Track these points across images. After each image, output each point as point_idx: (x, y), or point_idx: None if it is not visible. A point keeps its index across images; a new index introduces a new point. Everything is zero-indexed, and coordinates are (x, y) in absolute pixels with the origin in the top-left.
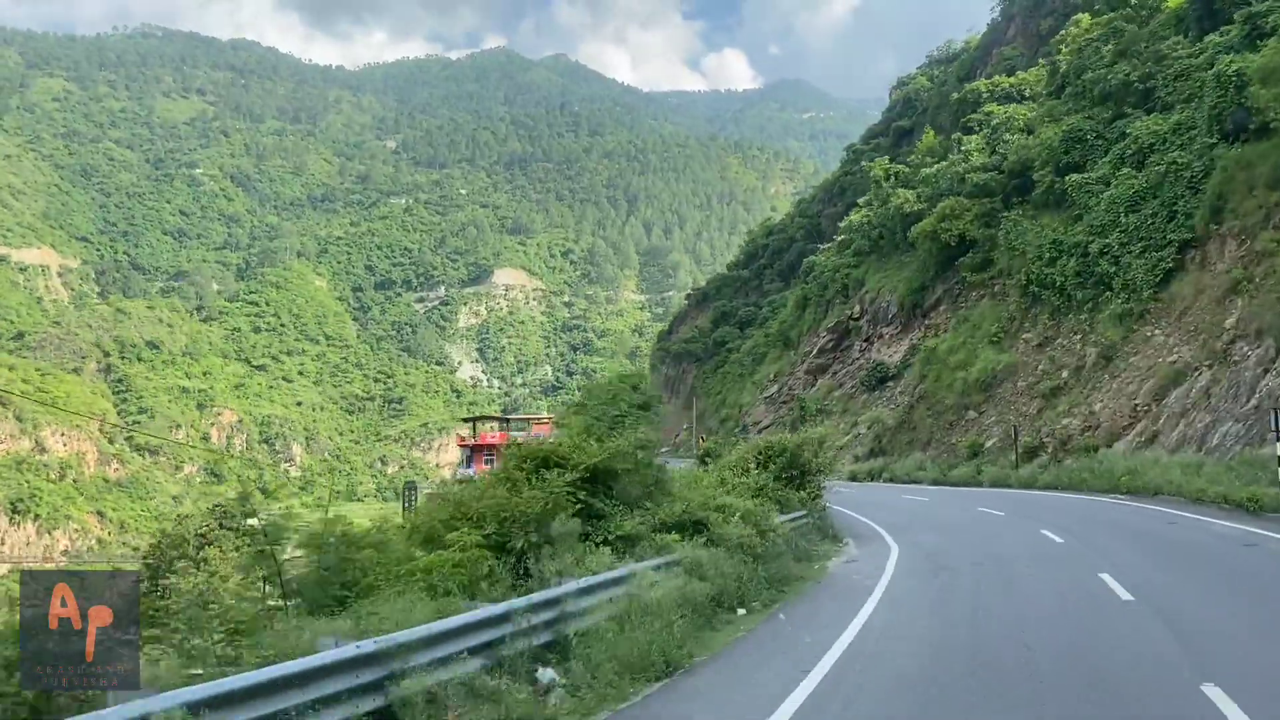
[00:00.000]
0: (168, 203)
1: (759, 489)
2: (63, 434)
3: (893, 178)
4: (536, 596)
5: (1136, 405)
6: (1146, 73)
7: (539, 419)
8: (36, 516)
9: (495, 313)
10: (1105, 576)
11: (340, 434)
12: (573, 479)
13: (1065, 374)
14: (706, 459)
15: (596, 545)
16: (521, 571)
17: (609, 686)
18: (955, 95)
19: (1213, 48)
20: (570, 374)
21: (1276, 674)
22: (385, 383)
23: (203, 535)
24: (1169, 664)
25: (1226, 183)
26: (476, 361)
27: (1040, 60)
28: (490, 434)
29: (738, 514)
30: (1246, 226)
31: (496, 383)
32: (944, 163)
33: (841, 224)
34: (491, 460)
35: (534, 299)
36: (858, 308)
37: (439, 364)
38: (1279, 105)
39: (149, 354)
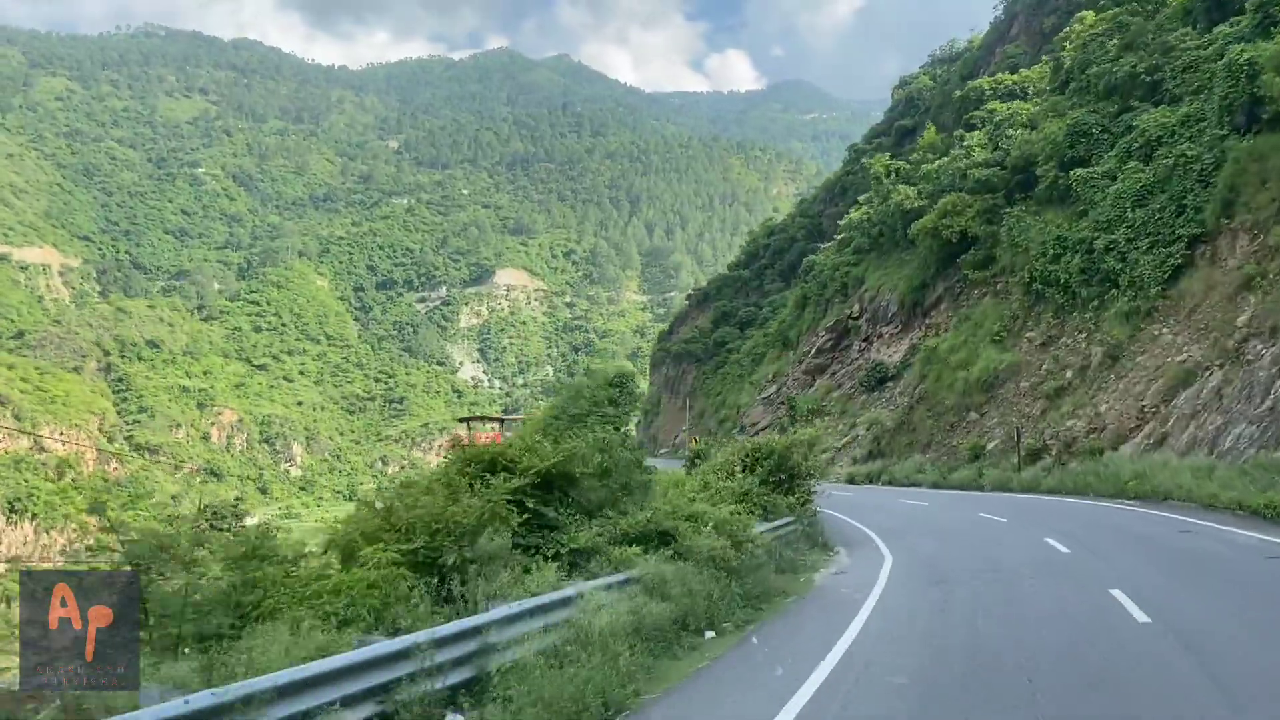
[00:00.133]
0: (169, 202)
1: (743, 494)
2: (62, 433)
3: (893, 174)
4: (447, 628)
5: (1144, 406)
6: (1153, 65)
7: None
8: (34, 516)
9: (497, 313)
10: (1117, 593)
11: (341, 434)
12: (520, 485)
13: (1070, 374)
14: (696, 461)
15: (546, 560)
16: (448, 594)
17: None
18: (958, 93)
19: (1222, 39)
20: (572, 374)
21: None
22: (386, 383)
23: (193, 535)
24: (1205, 711)
25: (1238, 175)
26: (478, 362)
27: (1044, 57)
28: (485, 434)
29: (711, 523)
30: (1259, 220)
31: (498, 383)
32: (945, 158)
33: (841, 222)
34: None
35: (535, 299)
36: (857, 306)
37: (440, 364)
38: None
39: (149, 353)
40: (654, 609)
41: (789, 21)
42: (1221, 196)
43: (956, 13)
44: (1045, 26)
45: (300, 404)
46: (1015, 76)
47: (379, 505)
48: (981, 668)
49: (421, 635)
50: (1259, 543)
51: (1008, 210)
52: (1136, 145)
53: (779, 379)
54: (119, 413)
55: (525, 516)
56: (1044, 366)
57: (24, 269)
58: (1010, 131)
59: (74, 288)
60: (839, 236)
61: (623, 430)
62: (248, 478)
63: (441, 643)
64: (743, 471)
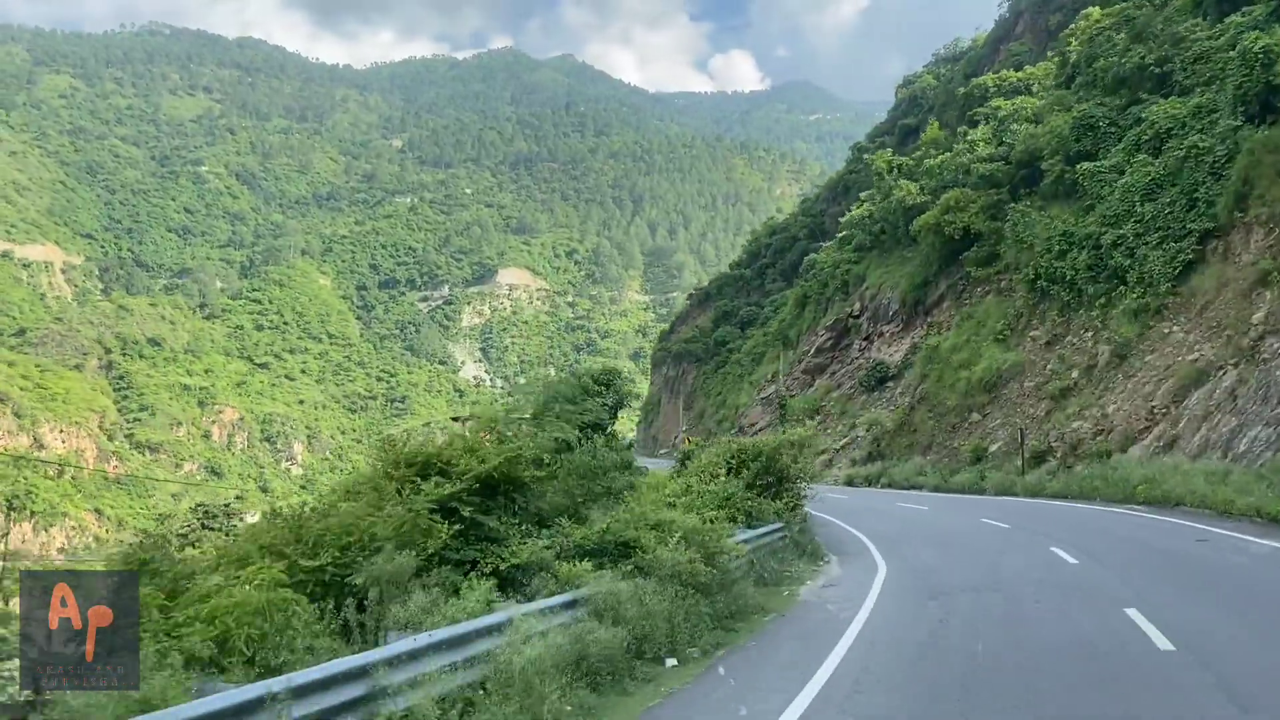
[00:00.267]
0: (172, 200)
1: (725, 499)
2: (61, 431)
3: (895, 170)
4: (310, 673)
5: (1154, 407)
6: (1163, 56)
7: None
8: (33, 514)
9: (499, 312)
10: (1133, 613)
11: (342, 432)
12: (454, 491)
13: (1076, 374)
14: (685, 462)
15: (482, 578)
16: (354, 622)
17: None
18: (961, 90)
19: (1235, 28)
20: (574, 374)
21: None
22: (388, 382)
23: (183, 535)
24: None
25: (1253, 167)
26: (480, 361)
27: (1049, 54)
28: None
29: (678, 533)
30: (1275, 214)
31: (500, 383)
32: (948, 154)
33: (843, 219)
34: None
35: (538, 299)
36: (857, 305)
37: (442, 363)
38: None
39: (151, 351)
40: (602, 636)
41: (793, 22)
42: (1235, 189)
43: (961, 13)
44: (1050, 24)
45: (302, 402)
46: (1020, 73)
47: (287, 514)
48: (979, 709)
49: (276, 682)
50: None
51: (1012, 206)
52: (1145, 138)
53: (778, 379)
54: (120, 410)
55: (459, 527)
56: (1049, 366)
57: (26, 266)
58: (1015, 126)
59: (76, 285)
60: (840, 234)
61: (609, 429)
62: (249, 476)
63: (304, 690)
64: (728, 474)
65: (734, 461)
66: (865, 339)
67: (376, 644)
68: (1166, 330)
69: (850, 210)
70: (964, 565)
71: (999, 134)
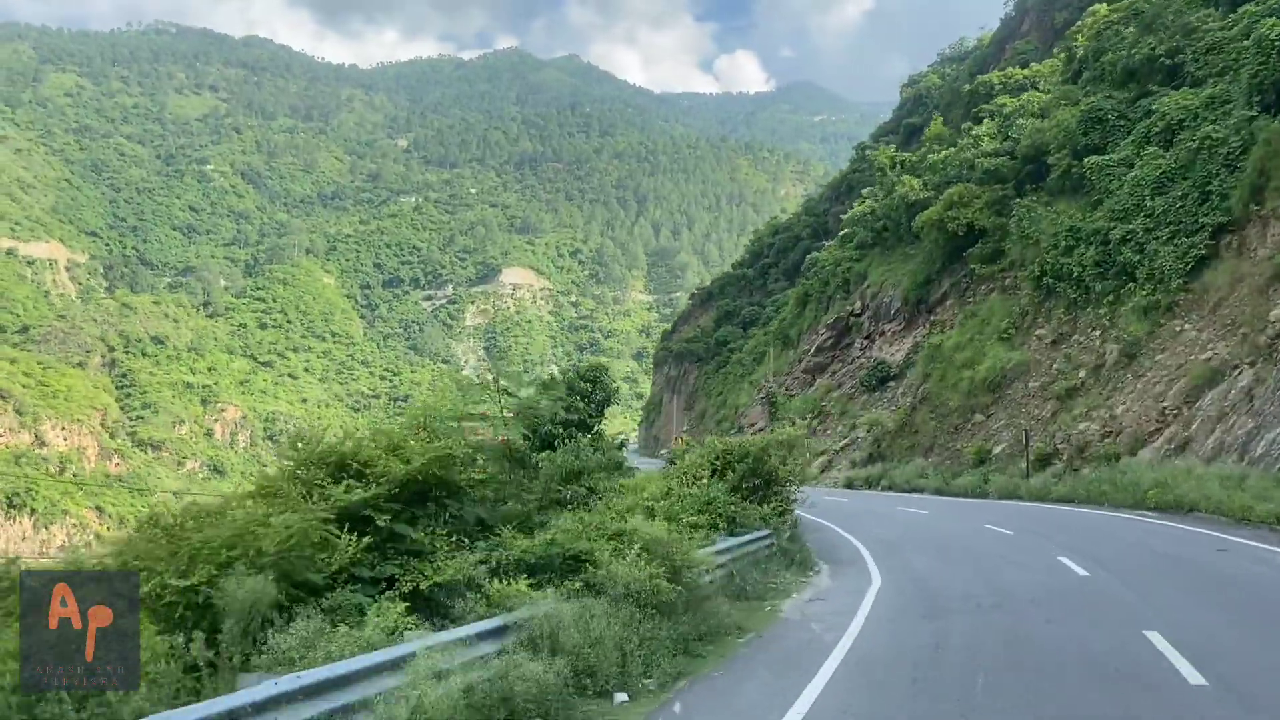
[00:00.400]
0: (177, 198)
1: (707, 503)
2: (63, 428)
3: (898, 165)
4: None
5: (1165, 408)
6: (1174, 47)
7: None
8: (33, 511)
9: (502, 312)
10: (1155, 637)
11: (345, 431)
12: (368, 496)
13: (1083, 373)
14: (674, 463)
15: (398, 599)
16: (205, 659)
17: None
18: (966, 88)
19: (1249, 17)
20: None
21: None
22: (391, 380)
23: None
24: None
25: (1269, 158)
26: (483, 360)
27: (1055, 51)
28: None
29: (638, 545)
30: None
31: (502, 382)
32: (952, 149)
33: (845, 216)
34: None
35: (541, 299)
36: (859, 303)
37: (445, 362)
38: None
39: (154, 349)
40: (532, 670)
41: (798, 23)
42: (1250, 181)
43: (966, 15)
44: (1056, 22)
45: (305, 401)
46: (1026, 71)
47: (166, 522)
48: None
49: None
50: None
51: (1017, 201)
52: (1156, 130)
53: (778, 378)
54: (122, 408)
55: (371, 540)
56: (1055, 365)
57: (31, 264)
58: (1020, 121)
59: (80, 283)
60: (842, 232)
61: (596, 428)
62: (251, 475)
63: None
64: (712, 476)
65: (719, 463)
66: (866, 338)
67: (256, 684)
68: (1178, 328)
69: (852, 207)
70: (964, 576)
71: (1004, 129)
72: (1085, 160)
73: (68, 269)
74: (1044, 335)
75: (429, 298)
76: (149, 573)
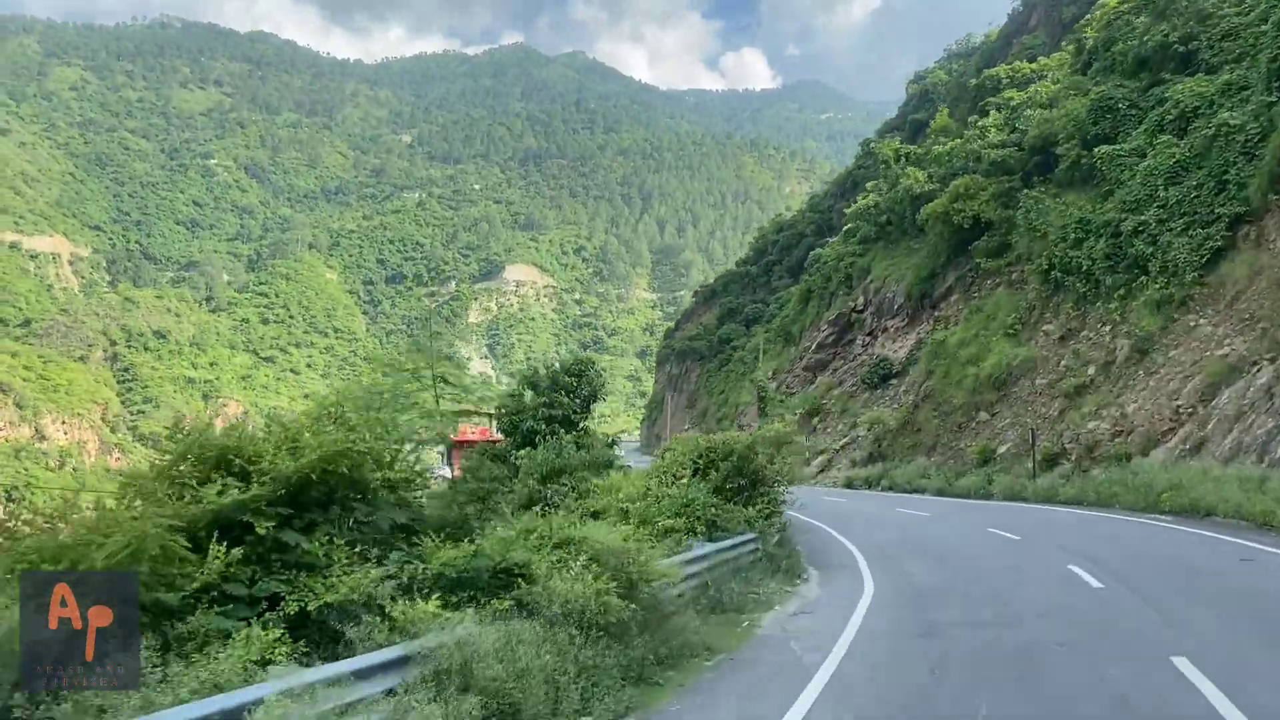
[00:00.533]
0: (181, 193)
1: (685, 505)
2: (63, 422)
3: (903, 158)
4: None
5: (1179, 406)
6: (1188, 34)
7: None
8: (32, 505)
9: (505, 309)
10: (1183, 664)
11: None
12: (248, 498)
13: (1092, 370)
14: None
15: (275, 623)
16: None
17: None
18: (973, 82)
19: (1266, 1)
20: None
21: None
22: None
23: None
24: None
25: None
26: (486, 357)
27: (1063, 45)
28: (471, 429)
29: (584, 555)
30: None
31: (505, 379)
32: (958, 140)
33: (848, 210)
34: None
35: (545, 296)
36: (861, 299)
37: (448, 359)
38: None
39: (156, 343)
40: (429, 713)
41: (805, 21)
42: (1269, 170)
43: (973, 14)
44: (1065, 16)
45: (307, 397)
46: (1034, 65)
47: None
48: None
49: None
50: None
51: (1025, 193)
52: (1170, 118)
53: (778, 376)
54: (123, 403)
55: (249, 550)
56: (1063, 362)
57: (34, 257)
58: (1028, 112)
59: (83, 277)
60: (845, 226)
61: (581, 424)
62: None
63: None
64: (693, 475)
65: (701, 461)
66: (869, 334)
67: None
68: (1193, 323)
69: (856, 201)
70: (966, 590)
71: (1011, 121)
72: (1095, 150)
73: (71, 263)
74: (1052, 331)
75: (432, 294)
76: None
